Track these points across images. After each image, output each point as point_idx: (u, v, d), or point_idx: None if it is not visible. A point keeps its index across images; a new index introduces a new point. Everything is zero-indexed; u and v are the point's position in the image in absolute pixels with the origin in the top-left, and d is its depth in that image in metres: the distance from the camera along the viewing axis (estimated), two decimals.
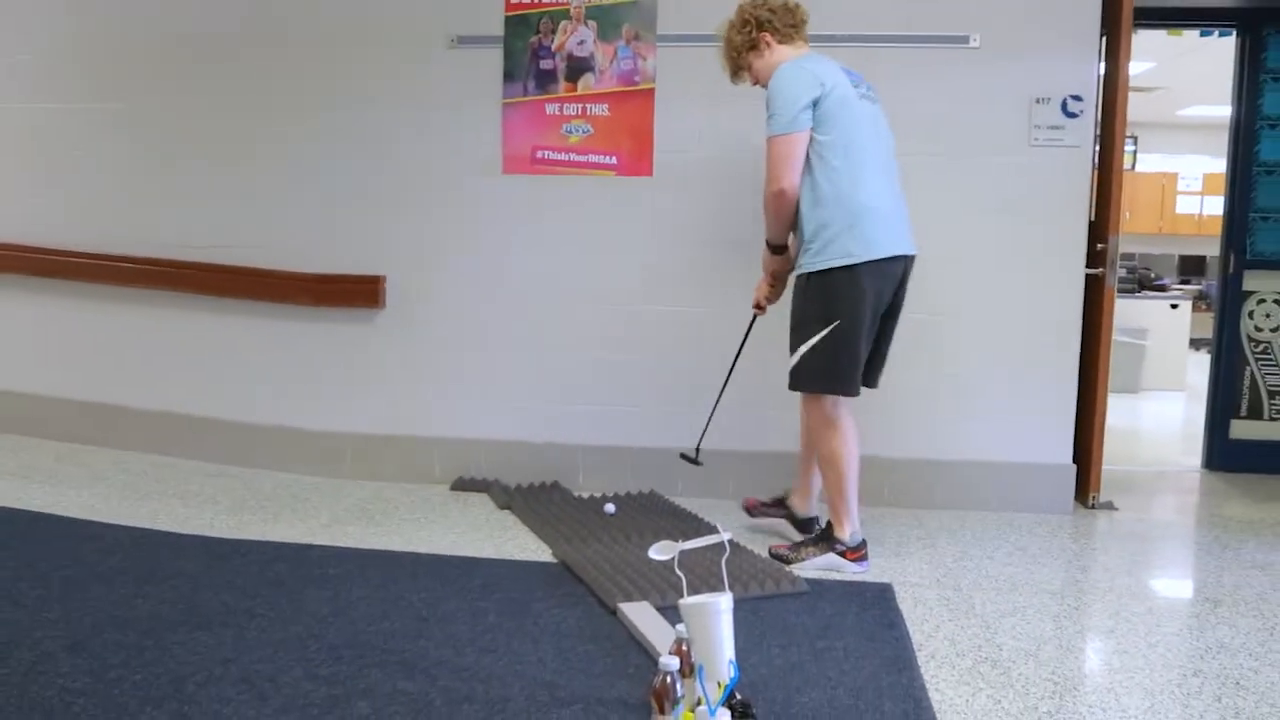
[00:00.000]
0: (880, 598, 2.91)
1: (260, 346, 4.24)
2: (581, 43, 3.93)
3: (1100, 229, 3.88)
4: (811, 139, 3.03)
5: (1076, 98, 3.73)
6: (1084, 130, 3.75)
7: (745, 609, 2.66)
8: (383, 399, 4.14)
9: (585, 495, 3.91)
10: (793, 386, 3.17)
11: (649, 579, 2.89)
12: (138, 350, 4.42)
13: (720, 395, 3.62)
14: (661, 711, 1.96)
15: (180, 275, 4.26)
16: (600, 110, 3.93)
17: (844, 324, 3.04)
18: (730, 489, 3.87)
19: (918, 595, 2.95)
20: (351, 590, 2.86)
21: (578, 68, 3.94)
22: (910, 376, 3.83)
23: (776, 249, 3.29)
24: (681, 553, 2.09)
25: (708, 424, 3.65)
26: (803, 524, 3.45)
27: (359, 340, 4.14)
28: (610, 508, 3.66)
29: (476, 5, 3.96)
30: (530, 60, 3.95)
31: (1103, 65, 3.85)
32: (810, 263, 3.07)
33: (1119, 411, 5.19)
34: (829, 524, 3.23)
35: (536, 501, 3.78)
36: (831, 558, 3.15)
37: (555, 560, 3.18)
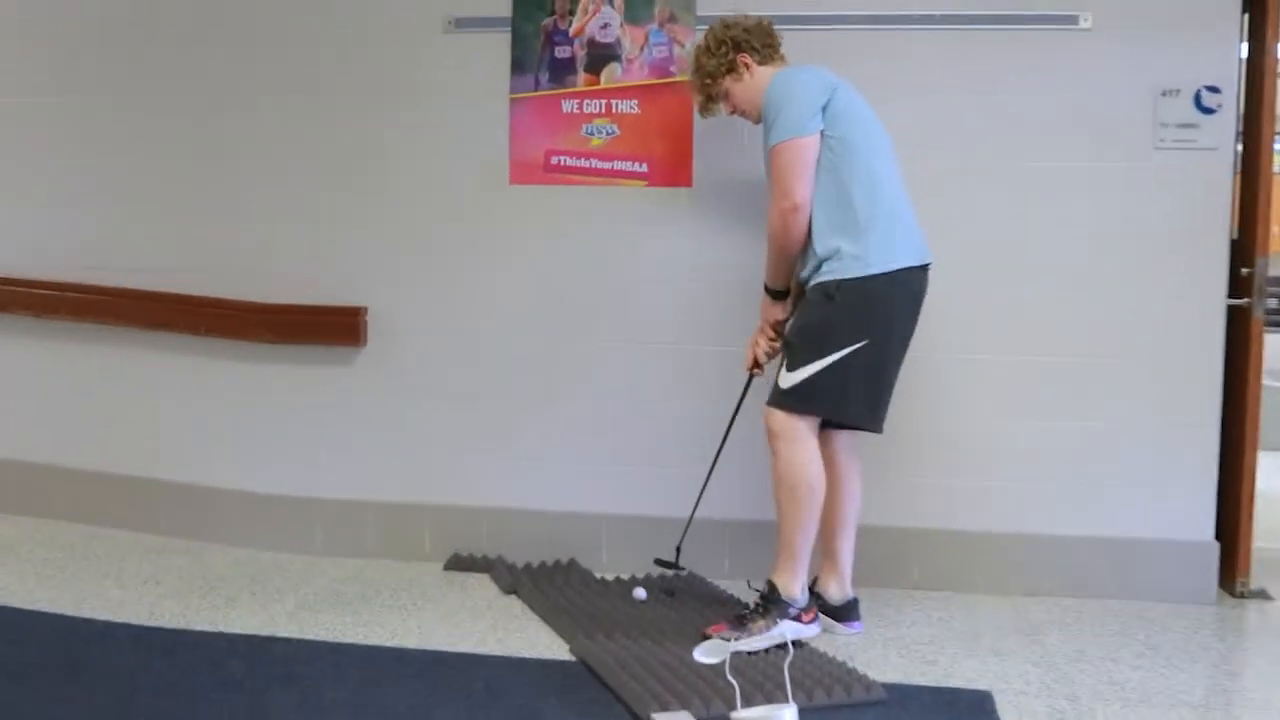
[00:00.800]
0: (977, 709, 2.85)
1: (213, 393, 4.26)
2: (605, 26, 3.96)
3: (1245, 249, 3.84)
4: (829, 140, 3.19)
5: (1213, 89, 3.71)
6: (1223, 129, 3.72)
7: None
8: (362, 457, 4.14)
9: (609, 577, 3.88)
10: (787, 407, 3.21)
11: (689, 683, 2.84)
12: (63, 397, 4.45)
13: (708, 478, 3.68)
14: None
15: (113, 305, 4.30)
16: (628, 107, 3.94)
17: (877, 342, 3.17)
18: None
19: (1023, 705, 2.89)
20: (323, 694, 2.84)
21: (601, 56, 3.96)
22: (1010, 433, 3.80)
23: (777, 293, 3.41)
24: (734, 654, 2.06)
25: (692, 514, 3.71)
26: (840, 611, 3.44)
27: (334, 385, 4.15)
28: (640, 593, 3.63)
29: None
30: (544, 47, 3.98)
31: (1245, 48, 3.83)
32: (840, 269, 3.16)
33: (1272, 474, 5.10)
34: (770, 583, 3.27)
35: (549, 585, 3.75)
36: (786, 626, 3.16)
37: (573, 659, 3.15)
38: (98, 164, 4.36)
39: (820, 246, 3.20)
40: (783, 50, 3.45)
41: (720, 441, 3.66)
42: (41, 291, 4.36)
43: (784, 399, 3.22)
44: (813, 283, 3.24)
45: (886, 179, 3.24)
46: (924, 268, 3.27)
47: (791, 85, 3.24)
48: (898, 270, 3.18)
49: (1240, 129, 3.83)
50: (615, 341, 4.00)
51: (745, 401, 3.60)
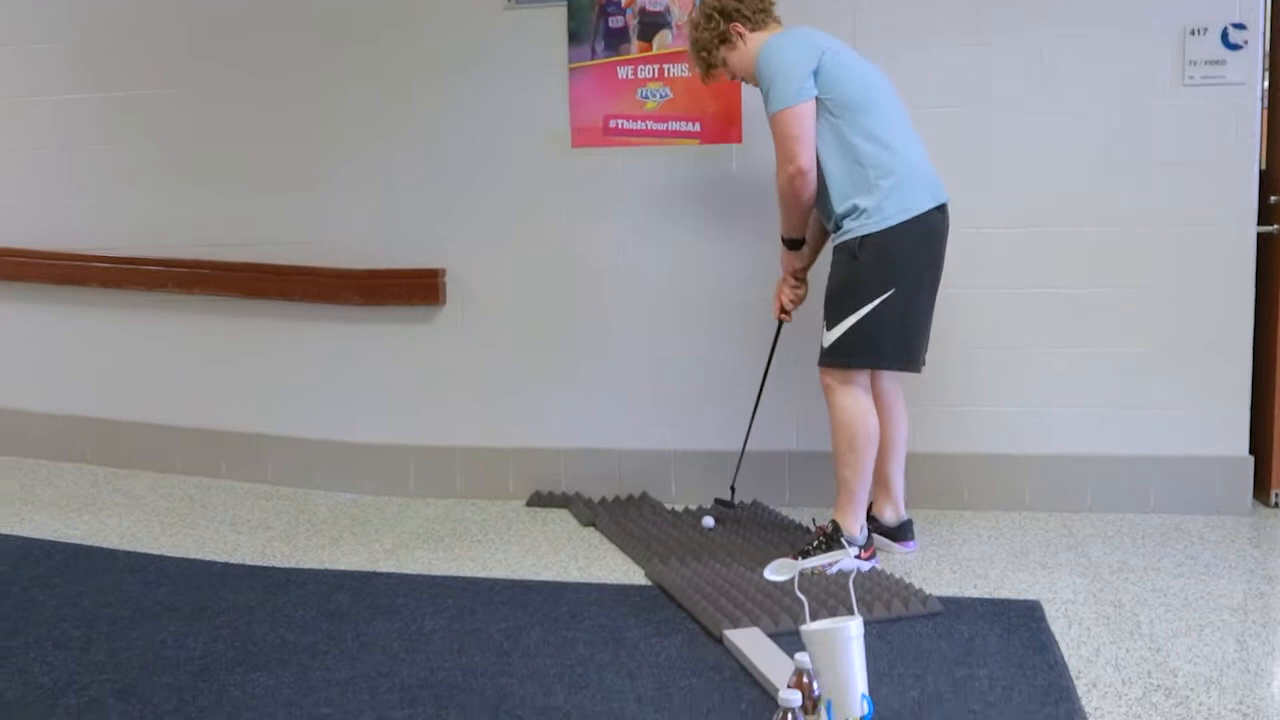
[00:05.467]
0: (1028, 617, 2.84)
1: (311, 354, 4.32)
2: None
3: (1272, 180, 3.75)
4: (826, 104, 3.11)
5: (1239, 25, 3.60)
6: (1249, 64, 3.61)
7: (871, 634, 2.61)
8: (448, 406, 4.18)
9: (679, 508, 3.89)
10: (833, 364, 3.18)
11: (758, 602, 2.86)
12: (176, 363, 4.53)
13: (751, 422, 3.67)
14: None
15: (217, 277, 4.36)
16: (680, 71, 3.90)
17: (904, 290, 3.11)
18: None
19: (1072, 614, 2.87)
20: (423, 622, 2.88)
21: (652, 24, 3.92)
22: (1052, 361, 3.76)
23: (793, 243, 3.39)
24: (802, 573, 2.07)
25: (740, 458, 3.73)
26: (895, 532, 3.43)
27: (419, 341, 4.18)
28: (709, 521, 3.64)
29: None
30: (598, 18, 3.95)
31: None
32: (857, 227, 3.11)
33: None
34: (833, 522, 3.25)
35: (624, 517, 3.78)
36: (846, 563, 3.15)
37: (649, 583, 3.17)
38: (203, 151, 4.40)
39: (839, 206, 3.15)
40: (776, 13, 3.33)
41: (760, 385, 3.65)
42: (151, 268, 4.43)
43: (828, 356, 3.20)
44: (837, 243, 3.19)
45: (892, 131, 3.13)
46: (941, 208, 3.18)
47: (780, 53, 3.14)
48: (915, 217, 3.10)
49: (1267, 65, 3.72)
50: (673, 289, 3.98)
51: (779, 345, 3.60)
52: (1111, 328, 3.75)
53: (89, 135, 4.54)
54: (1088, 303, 3.75)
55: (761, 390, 3.65)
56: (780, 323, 3.57)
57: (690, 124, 3.93)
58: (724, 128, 3.90)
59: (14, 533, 3.74)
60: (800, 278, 3.48)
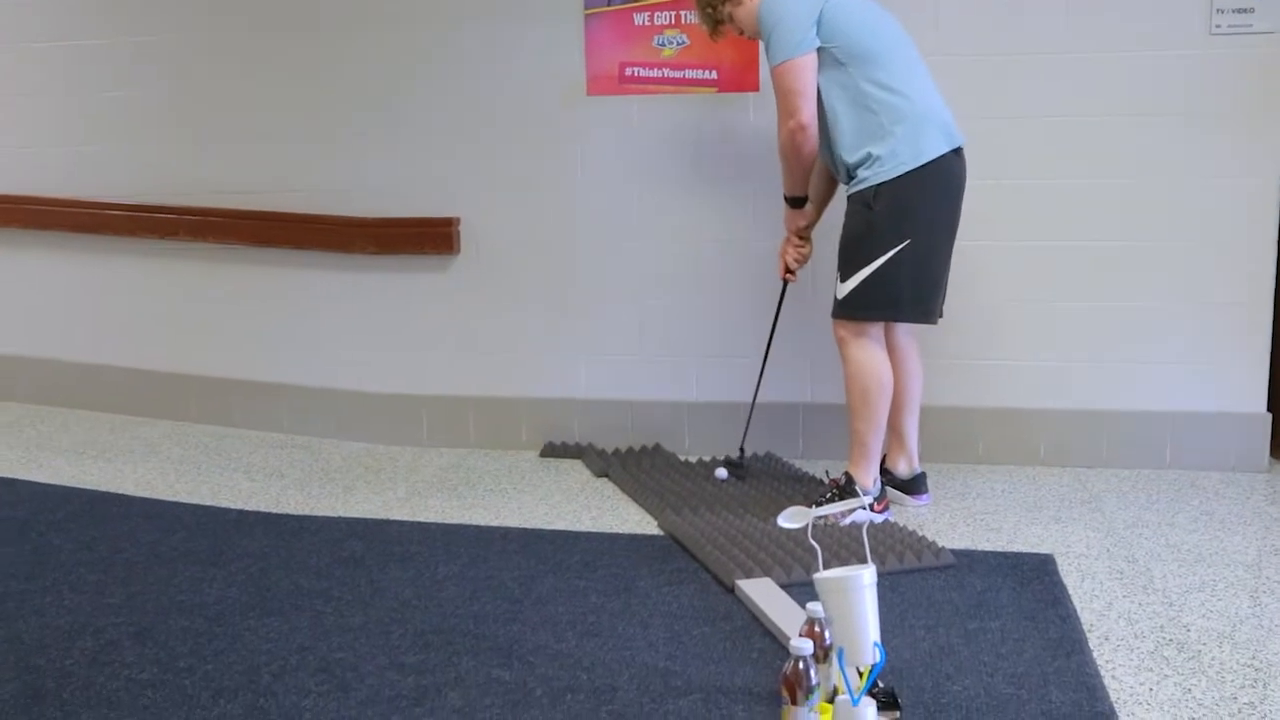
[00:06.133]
0: (1040, 570, 2.83)
1: (323, 302, 4.31)
2: None
3: None
4: (832, 53, 3.05)
5: None
6: (1278, 13, 3.53)
7: (883, 585, 2.61)
8: (461, 356, 4.17)
9: (692, 459, 3.89)
10: (847, 316, 3.16)
11: (770, 552, 2.86)
12: (189, 311, 4.53)
13: (760, 381, 3.65)
14: (794, 702, 1.93)
15: (229, 225, 4.34)
16: (697, 18, 3.84)
17: (920, 240, 3.07)
18: None
19: (1084, 568, 2.87)
20: (436, 569, 2.89)
21: None
22: (1071, 314, 3.72)
23: (796, 201, 3.35)
24: (816, 520, 2.06)
25: (749, 416, 3.70)
26: (909, 485, 3.42)
27: (432, 291, 4.17)
28: (721, 473, 3.64)
29: None
30: None
31: None
32: (871, 175, 3.06)
33: None
34: (846, 474, 3.24)
35: (637, 468, 3.77)
36: (859, 515, 3.16)
37: (661, 533, 3.18)
38: (218, 98, 4.36)
39: (851, 156, 3.09)
40: None
41: (767, 343, 3.63)
42: (163, 215, 4.42)
43: (841, 308, 3.16)
44: (850, 192, 3.14)
45: (903, 77, 3.06)
46: (957, 151, 3.11)
47: (780, 5, 3.06)
48: (930, 162, 3.04)
49: None
50: (689, 239, 3.95)
51: (786, 301, 3.58)
52: (1131, 281, 3.70)
53: (102, 81, 4.50)
54: (1108, 256, 3.70)
55: (769, 349, 3.63)
56: (785, 283, 3.53)
57: (707, 72, 3.87)
58: (740, 75, 3.84)
59: (31, 478, 3.77)
60: (804, 236, 3.44)
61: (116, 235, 4.54)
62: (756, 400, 3.70)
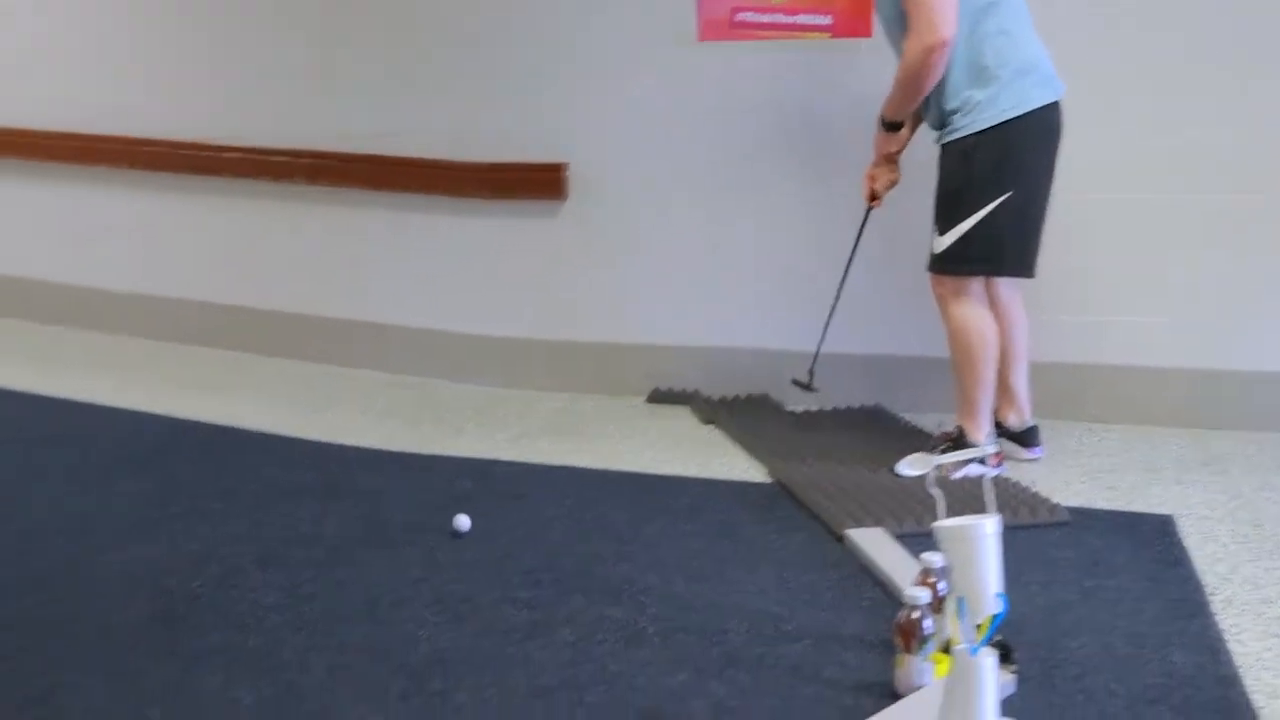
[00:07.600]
0: (1160, 531, 2.76)
1: (437, 246, 4.35)
2: None
3: None
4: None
5: None
6: None
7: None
8: (570, 301, 4.19)
9: (799, 410, 3.86)
10: (946, 272, 3.07)
11: (881, 503, 2.83)
12: (304, 253, 4.61)
13: (834, 307, 3.55)
14: (909, 650, 1.92)
15: (345, 169, 4.39)
16: None
17: (1020, 192, 2.97)
18: None
19: (1207, 530, 2.78)
20: (545, 510, 2.93)
21: None
22: (1190, 268, 3.57)
23: (894, 125, 3.20)
24: (937, 468, 2.03)
25: (821, 341, 3.59)
26: (1021, 437, 3.34)
27: (542, 236, 4.18)
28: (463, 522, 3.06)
29: None
30: None
31: None
32: (970, 122, 2.96)
33: None
34: (959, 428, 3.18)
35: (744, 416, 3.76)
36: (972, 468, 3.07)
37: (768, 481, 3.16)
38: (336, 45, 4.40)
39: (950, 102, 2.99)
40: None
41: (844, 269, 3.51)
42: (280, 159, 4.49)
43: (940, 263, 3.09)
44: (945, 141, 3.04)
45: (1015, 18, 2.96)
46: (1056, 103, 2.99)
47: None
48: (1030, 112, 2.93)
49: None
50: (799, 188, 3.88)
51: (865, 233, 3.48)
52: (1253, 236, 3.53)
53: (222, 27, 4.58)
54: (1224, 211, 3.52)
55: (846, 275, 3.51)
56: (869, 208, 3.42)
57: (820, 16, 3.78)
58: (854, 21, 3.72)
59: (159, 412, 3.89)
60: (894, 160, 3.32)
61: (235, 177, 4.62)
62: (830, 323, 3.60)
